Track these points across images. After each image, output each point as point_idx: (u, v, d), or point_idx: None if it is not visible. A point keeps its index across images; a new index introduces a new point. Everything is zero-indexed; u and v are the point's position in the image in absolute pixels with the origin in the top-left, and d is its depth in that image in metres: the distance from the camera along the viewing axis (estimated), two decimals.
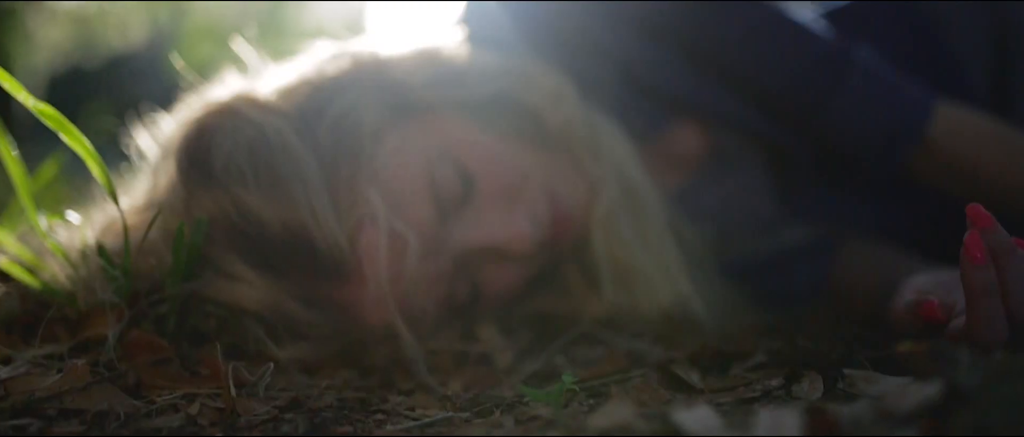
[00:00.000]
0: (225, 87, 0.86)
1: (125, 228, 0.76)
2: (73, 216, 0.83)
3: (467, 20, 0.96)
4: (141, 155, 0.87)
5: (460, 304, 0.86)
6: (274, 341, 0.78)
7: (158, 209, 0.78)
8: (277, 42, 0.97)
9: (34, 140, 1.83)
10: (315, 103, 0.82)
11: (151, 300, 0.76)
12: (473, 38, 0.94)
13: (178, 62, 0.90)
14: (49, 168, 1.09)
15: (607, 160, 0.91)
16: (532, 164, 0.87)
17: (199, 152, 0.79)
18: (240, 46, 0.90)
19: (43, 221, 0.80)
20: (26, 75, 4.81)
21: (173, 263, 0.75)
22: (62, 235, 0.81)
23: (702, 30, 0.94)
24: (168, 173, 0.81)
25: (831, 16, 1.08)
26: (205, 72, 0.89)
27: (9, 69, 0.82)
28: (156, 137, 0.86)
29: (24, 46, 5.41)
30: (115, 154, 0.92)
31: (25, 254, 0.79)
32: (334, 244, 0.76)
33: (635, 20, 0.94)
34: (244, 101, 0.81)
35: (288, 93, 0.83)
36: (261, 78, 0.88)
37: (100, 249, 0.75)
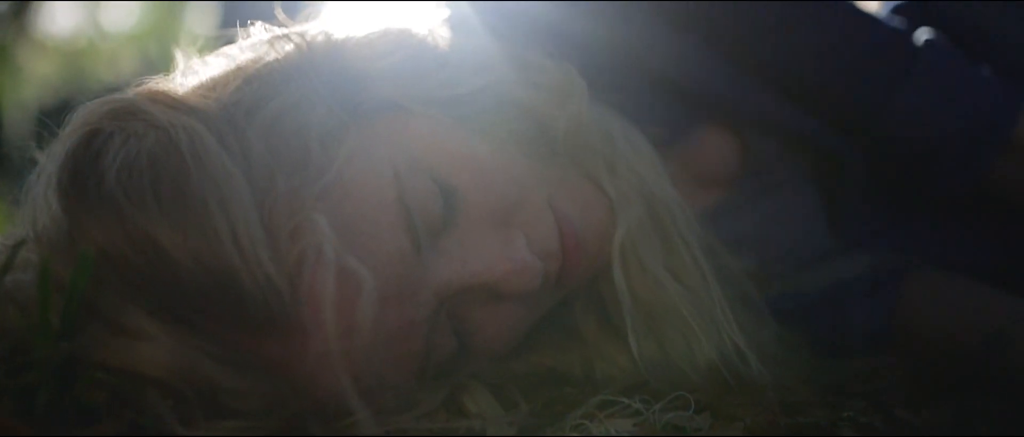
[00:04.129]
0: (136, 87, 0.66)
1: None
2: None
3: (450, 9, 0.78)
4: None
5: (441, 361, 0.66)
6: (186, 418, 0.58)
7: (16, 243, 0.58)
8: None
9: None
10: (246, 98, 0.63)
11: (12, 366, 0.56)
12: (456, 25, 0.75)
13: None
14: None
15: (627, 173, 0.74)
16: (532, 176, 0.69)
17: (84, 167, 0.59)
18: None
19: None
20: (15, 109, 4.75)
21: (39, 315, 0.55)
22: None
23: (734, 15, 0.80)
24: (48, 196, 0.61)
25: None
26: None
27: None
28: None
29: (13, 80, 5.34)
30: None
31: None
32: (267, 286, 0.56)
33: (654, 5, 0.79)
34: (150, 99, 0.62)
35: (212, 87, 0.64)
36: (187, 74, 0.68)
37: None
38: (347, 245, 0.59)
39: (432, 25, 0.73)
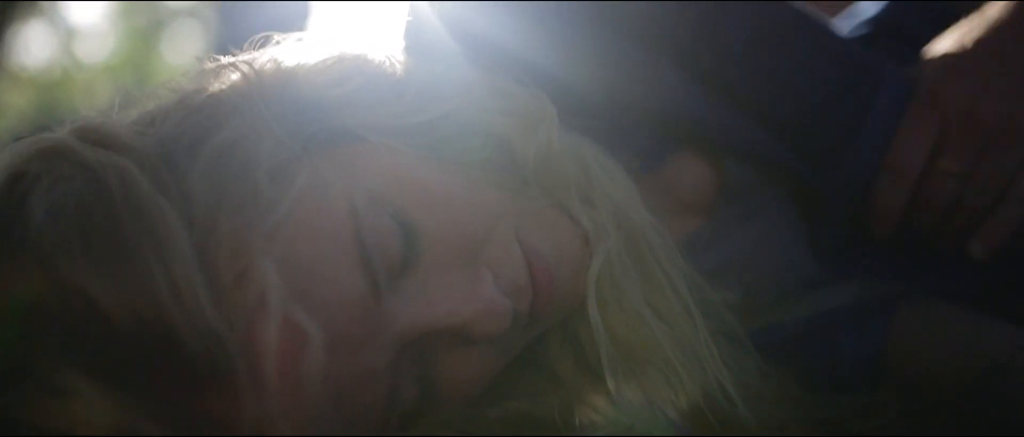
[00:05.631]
0: (70, 123, 0.62)
1: None
2: None
3: (407, 35, 0.75)
4: None
5: (407, 410, 0.62)
6: None
7: None
8: None
9: None
10: (188, 133, 0.58)
11: None
12: (417, 50, 0.71)
13: None
14: None
15: (603, 202, 0.70)
16: (500, 208, 0.64)
17: (7, 214, 0.55)
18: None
19: None
20: None
21: None
22: None
23: (700, 38, 0.75)
24: None
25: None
26: None
27: None
28: None
29: None
30: None
31: None
32: (209, 338, 0.52)
33: (621, 25, 0.75)
34: (80, 137, 0.58)
35: (151, 121, 0.60)
36: (127, 107, 0.64)
37: None
38: (298, 290, 0.54)
39: (391, 50, 0.69)
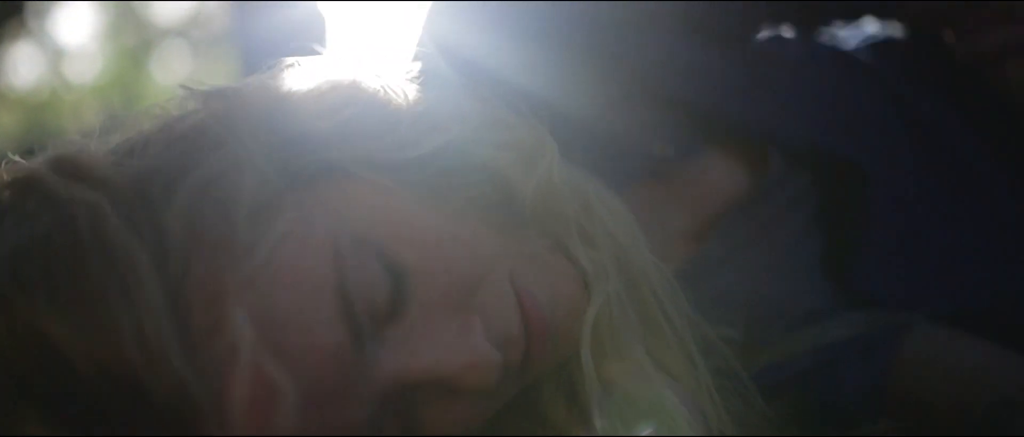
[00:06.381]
0: (49, 150, 0.59)
1: None
2: None
3: (405, 60, 0.71)
4: None
5: None
6: None
7: None
8: None
9: None
10: (166, 166, 0.55)
11: None
12: (411, 77, 0.69)
13: None
14: None
15: (604, 241, 0.66)
16: (494, 250, 0.61)
17: None
18: None
19: None
20: None
21: None
22: None
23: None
24: None
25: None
26: None
27: None
28: None
29: None
30: None
31: None
32: (177, 391, 0.49)
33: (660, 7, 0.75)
34: (54, 167, 0.55)
35: (130, 151, 0.57)
36: (108, 132, 0.61)
37: None
38: (273, 342, 0.52)
39: (387, 77, 0.66)
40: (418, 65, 0.68)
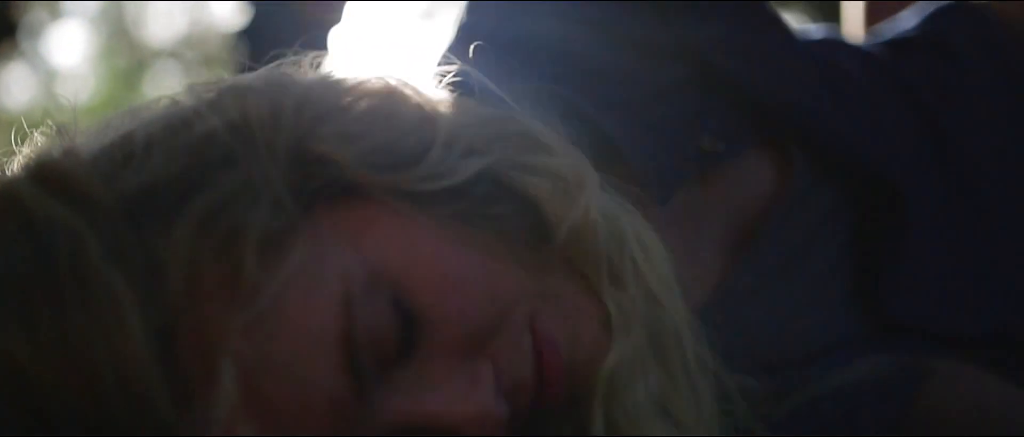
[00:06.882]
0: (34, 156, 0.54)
1: None
2: None
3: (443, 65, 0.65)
4: None
5: None
6: None
7: None
8: None
9: None
10: (167, 186, 0.50)
11: None
12: (458, 83, 0.63)
13: None
14: None
15: (634, 285, 0.60)
16: (518, 290, 0.56)
17: None
18: None
19: None
20: None
21: None
22: None
23: None
24: None
25: None
26: None
27: None
28: None
29: None
30: None
31: None
32: None
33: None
34: (39, 179, 0.51)
35: (125, 160, 0.51)
36: (105, 131, 0.55)
37: None
38: (269, 393, 0.49)
39: (419, 86, 0.61)
40: (451, 70, 0.62)
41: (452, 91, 0.61)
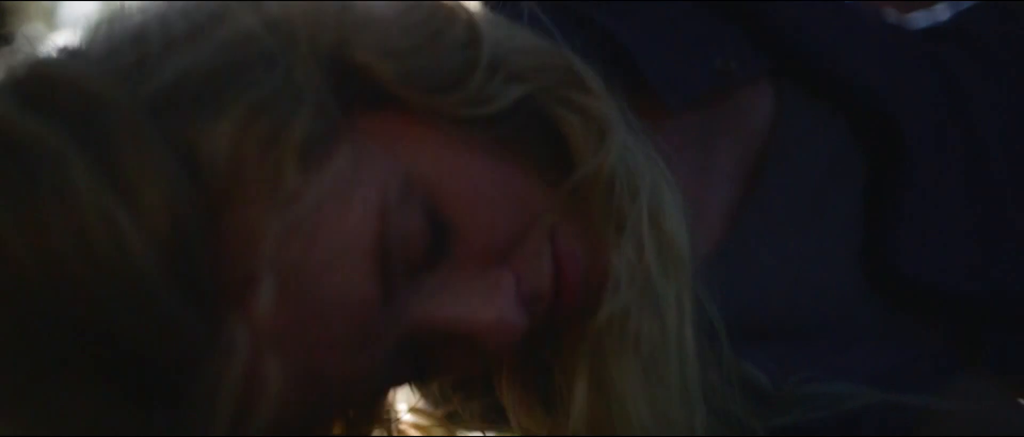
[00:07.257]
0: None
1: None
2: None
3: None
4: None
5: (398, 383, 0.63)
6: None
7: None
8: None
9: None
10: (204, 84, 0.47)
11: None
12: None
13: None
14: None
15: (642, 243, 0.59)
16: (543, 205, 0.57)
17: None
18: None
19: None
20: None
21: None
22: None
23: None
24: None
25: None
26: None
27: None
28: None
29: None
30: None
31: None
32: (178, 355, 0.45)
33: None
34: (32, 77, 0.47)
35: (142, 59, 0.48)
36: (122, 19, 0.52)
37: None
38: (302, 293, 0.48)
39: (470, 6, 0.60)
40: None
41: (496, 10, 0.61)
